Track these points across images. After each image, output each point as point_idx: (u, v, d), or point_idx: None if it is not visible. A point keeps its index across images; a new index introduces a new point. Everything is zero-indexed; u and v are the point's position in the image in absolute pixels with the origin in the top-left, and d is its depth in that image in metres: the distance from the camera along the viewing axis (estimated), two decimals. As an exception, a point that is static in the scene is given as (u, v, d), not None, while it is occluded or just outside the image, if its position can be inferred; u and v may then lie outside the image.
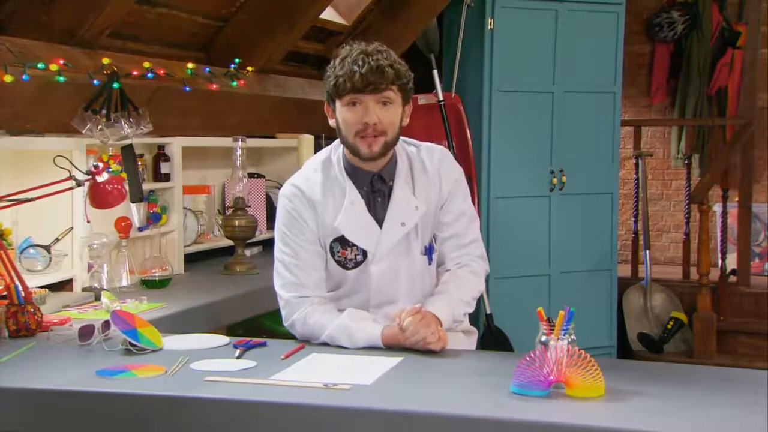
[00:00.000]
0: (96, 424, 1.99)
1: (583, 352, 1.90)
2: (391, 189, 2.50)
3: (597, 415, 1.80)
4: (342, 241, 2.49)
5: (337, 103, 2.41)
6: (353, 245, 2.49)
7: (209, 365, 2.17)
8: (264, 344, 2.39)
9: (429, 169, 2.54)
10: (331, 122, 2.48)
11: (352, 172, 2.49)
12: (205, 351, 2.33)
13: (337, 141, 2.53)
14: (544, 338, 2.00)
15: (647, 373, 2.10)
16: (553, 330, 1.99)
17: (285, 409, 1.89)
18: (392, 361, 2.20)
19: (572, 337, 1.98)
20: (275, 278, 2.53)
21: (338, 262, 2.51)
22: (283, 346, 2.37)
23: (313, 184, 2.51)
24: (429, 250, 2.56)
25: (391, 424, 1.83)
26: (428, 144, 2.62)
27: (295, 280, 2.49)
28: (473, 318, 2.78)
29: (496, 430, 1.78)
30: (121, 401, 1.97)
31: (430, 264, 2.57)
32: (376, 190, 2.50)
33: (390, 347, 2.35)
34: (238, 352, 2.28)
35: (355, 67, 2.34)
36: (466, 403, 1.90)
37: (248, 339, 2.41)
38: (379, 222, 2.49)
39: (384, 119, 2.38)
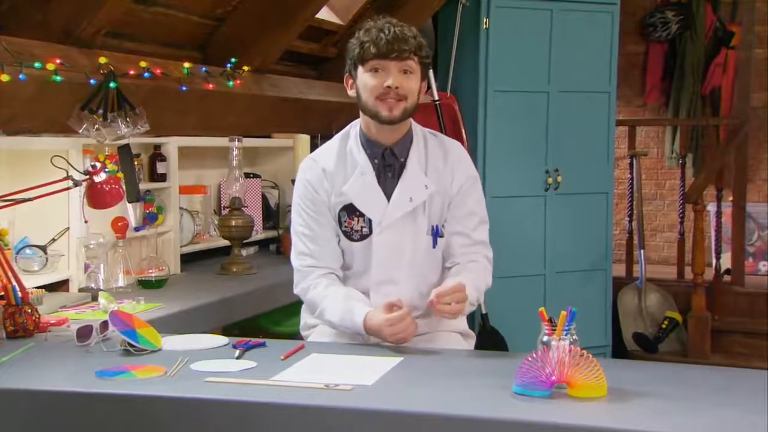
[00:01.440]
0: (96, 425, 1.97)
1: (585, 352, 1.90)
2: (402, 165, 2.56)
3: (599, 415, 1.80)
4: (349, 210, 2.55)
5: (359, 70, 2.49)
6: (359, 216, 2.55)
7: (209, 366, 2.16)
8: (263, 345, 2.38)
9: (444, 156, 2.61)
10: (351, 92, 2.56)
11: (367, 144, 2.56)
12: (204, 351, 2.33)
13: (357, 120, 2.60)
14: (546, 338, 1.99)
15: (649, 373, 2.10)
16: (554, 330, 1.98)
17: (287, 409, 1.88)
18: (393, 361, 2.20)
19: (574, 337, 1.98)
20: (291, 249, 2.63)
21: (345, 233, 2.57)
22: (282, 347, 2.36)
23: (327, 154, 2.61)
24: (435, 232, 2.58)
25: (394, 424, 1.83)
26: (448, 138, 2.69)
27: (306, 251, 2.57)
28: (469, 317, 2.78)
29: (498, 430, 1.78)
30: (121, 402, 1.96)
31: (434, 247, 2.59)
32: (387, 164, 2.56)
33: (372, 335, 2.41)
34: (237, 352, 2.28)
35: (381, 34, 2.44)
36: (468, 403, 1.89)
37: (247, 339, 2.40)
38: (388, 195, 2.55)
39: (405, 85, 2.47)
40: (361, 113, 2.57)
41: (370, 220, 2.55)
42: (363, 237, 2.56)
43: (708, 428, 1.72)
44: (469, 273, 2.55)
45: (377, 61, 2.45)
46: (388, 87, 2.45)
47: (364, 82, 2.49)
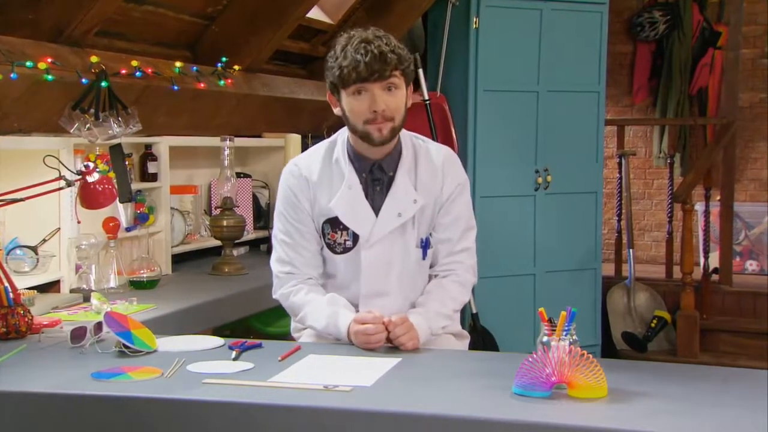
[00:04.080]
0: (93, 427, 1.95)
1: (585, 352, 1.90)
2: (390, 179, 2.52)
3: (600, 416, 1.79)
4: (333, 223, 2.52)
5: (342, 93, 2.43)
6: (343, 229, 2.51)
7: (206, 367, 2.14)
8: (259, 346, 2.36)
9: (433, 166, 2.56)
10: (336, 111, 2.50)
11: (354, 157, 2.52)
12: (200, 353, 2.31)
13: (345, 128, 2.55)
14: (545, 339, 1.99)
15: (649, 374, 2.09)
16: (554, 330, 1.98)
17: (286, 411, 1.87)
18: (391, 362, 2.19)
19: (574, 337, 1.97)
20: (273, 252, 2.61)
21: (328, 245, 2.54)
22: (278, 348, 2.35)
23: (312, 163, 2.55)
24: (425, 245, 2.55)
25: (394, 426, 1.82)
26: (437, 143, 2.65)
27: (285, 258, 2.55)
28: (460, 317, 2.77)
29: (498, 431, 1.77)
30: (118, 404, 1.94)
31: (424, 259, 2.56)
32: (375, 179, 2.52)
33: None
34: (234, 353, 2.26)
35: (359, 56, 2.36)
36: (468, 404, 1.88)
37: (243, 340, 2.38)
38: (376, 210, 2.51)
39: (391, 105, 2.41)
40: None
41: (353, 234, 2.51)
42: (346, 250, 2.52)
43: (709, 428, 1.71)
44: (434, 301, 2.52)
45: (359, 85, 2.38)
46: (375, 111, 2.39)
47: (350, 106, 2.42)
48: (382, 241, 2.50)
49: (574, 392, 1.88)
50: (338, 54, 2.40)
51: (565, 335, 1.96)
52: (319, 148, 2.59)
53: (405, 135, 2.56)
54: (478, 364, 2.30)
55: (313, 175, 2.52)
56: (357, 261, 2.52)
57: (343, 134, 2.56)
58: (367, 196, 2.51)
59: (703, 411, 1.80)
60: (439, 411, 1.83)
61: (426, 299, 2.54)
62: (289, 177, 2.56)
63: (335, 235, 2.52)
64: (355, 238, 2.51)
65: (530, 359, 1.90)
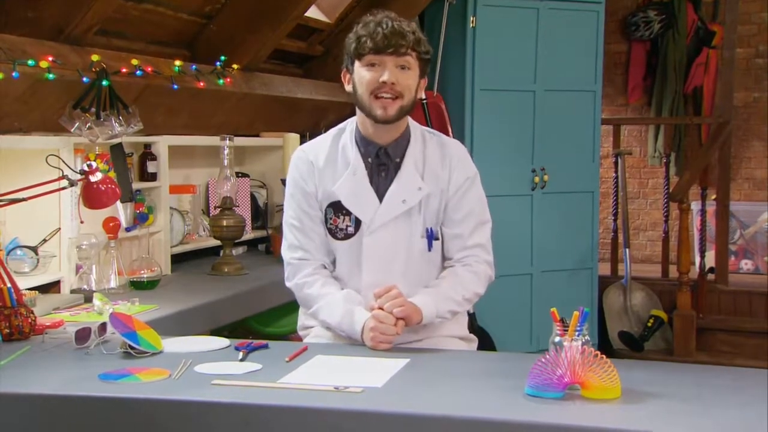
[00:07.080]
0: (102, 429, 1.93)
1: (598, 353, 1.89)
2: (396, 165, 2.51)
3: (613, 416, 1.78)
4: (335, 208, 2.51)
5: (356, 65, 2.44)
6: (345, 214, 2.50)
7: (214, 368, 2.13)
8: (266, 346, 2.35)
9: (442, 157, 2.55)
10: (348, 87, 2.51)
11: (361, 142, 2.52)
12: (206, 354, 2.29)
13: (354, 117, 2.55)
14: (557, 339, 1.98)
15: (662, 374, 2.08)
16: (566, 331, 1.97)
17: (298, 412, 1.85)
18: (400, 362, 2.17)
19: (586, 337, 1.96)
20: (282, 241, 2.60)
21: (329, 230, 2.53)
22: (284, 348, 2.34)
23: (319, 148, 2.56)
24: (430, 235, 2.53)
25: (407, 427, 1.81)
26: (448, 137, 2.64)
27: (296, 243, 2.54)
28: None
29: (511, 432, 1.76)
30: (127, 406, 1.92)
31: (429, 250, 2.53)
32: (381, 164, 2.51)
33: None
34: (241, 354, 2.24)
35: (379, 28, 2.38)
36: (480, 405, 1.87)
37: (249, 341, 2.37)
38: (380, 195, 2.50)
39: (401, 81, 2.41)
40: (357, 110, 2.51)
41: (356, 220, 2.50)
42: (347, 236, 2.51)
43: (724, 429, 1.71)
44: (444, 284, 2.51)
45: (374, 55, 2.39)
46: (384, 82, 2.39)
47: (360, 76, 2.43)
48: (386, 228, 2.49)
49: (588, 393, 1.87)
50: (359, 28, 2.43)
51: (578, 335, 1.95)
52: (326, 135, 2.60)
53: (415, 126, 2.57)
54: (489, 365, 2.29)
55: (319, 160, 2.53)
56: (358, 249, 2.50)
57: (352, 122, 2.56)
58: (371, 182, 2.50)
59: (717, 412, 1.79)
60: (451, 412, 1.82)
61: (437, 283, 2.53)
62: (297, 162, 2.57)
63: (337, 219, 2.51)
64: (357, 224, 2.50)
65: (543, 360, 1.89)
